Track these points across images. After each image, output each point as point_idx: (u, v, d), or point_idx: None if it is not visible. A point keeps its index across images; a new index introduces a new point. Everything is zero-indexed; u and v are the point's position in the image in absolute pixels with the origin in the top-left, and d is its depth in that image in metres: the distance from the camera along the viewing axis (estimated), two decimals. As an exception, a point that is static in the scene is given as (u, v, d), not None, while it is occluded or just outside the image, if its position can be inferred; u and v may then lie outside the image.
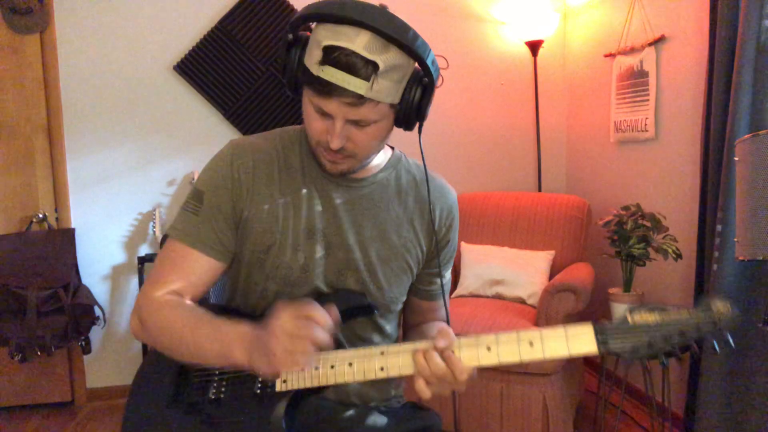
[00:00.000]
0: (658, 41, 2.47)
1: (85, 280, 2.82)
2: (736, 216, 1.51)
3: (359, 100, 0.90)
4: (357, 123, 0.94)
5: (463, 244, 2.82)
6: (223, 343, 0.94)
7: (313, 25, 0.94)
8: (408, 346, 0.94)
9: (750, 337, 1.91)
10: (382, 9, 0.90)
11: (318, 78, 0.89)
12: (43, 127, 2.79)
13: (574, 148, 3.27)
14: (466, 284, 2.68)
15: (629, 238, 2.20)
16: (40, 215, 2.78)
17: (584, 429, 2.48)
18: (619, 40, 2.74)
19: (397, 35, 0.88)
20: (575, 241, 2.68)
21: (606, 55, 2.85)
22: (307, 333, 0.85)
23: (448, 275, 1.22)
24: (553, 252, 2.66)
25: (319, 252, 1.06)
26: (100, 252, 2.88)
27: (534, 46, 3.07)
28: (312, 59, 0.91)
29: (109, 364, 2.93)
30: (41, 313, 2.53)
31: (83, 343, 2.69)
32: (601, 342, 0.87)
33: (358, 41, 0.87)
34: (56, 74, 2.78)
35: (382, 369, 0.94)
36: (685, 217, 2.36)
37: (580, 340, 0.88)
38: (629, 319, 0.88)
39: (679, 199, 2.41)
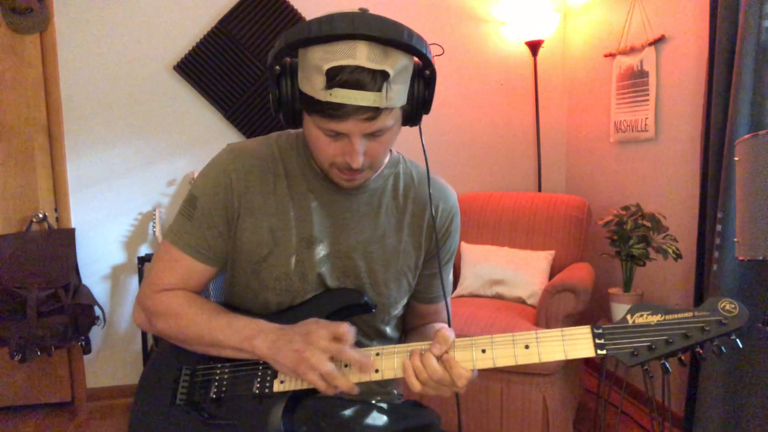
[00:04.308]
0: (658, 41, 2.47)
1: (85, 280, 2.82)
2: (736, 216, 1.51)
3: (376, 112, 0.87)
4: (373, 134, 0.92)
5: (463, 244, 2.82)
6: (242, 334, 0.97)
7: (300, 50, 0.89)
8: (403, 347, 0.94)
9: (750, 338, 1.91)
10: (369, 14, 0.87)
11: (328, 103, 0.86)
12: (43, 127, 2.79)
13: (574, 148, 3.27)
14: (466, 284, 2.68)
15: (629, 238, 2.20)
16: (40, 215, 2.78)
17: (584, 429, 2.48)
18: (619, 40, 2.74)
19: (395, 37, 0.85)
20: (575, 241, 2.68)
21: (606, 55, 2.85)
22: (340, 356, 0.91)
23: (449, 277, 1.20)
24: (553, 252, 2.66)
25: (319, 260, 1.05)
26: (100, 252, 2.88)
27: (534, 46, 3.07)
28: (314, 85, 0.87)
29: (109, 364, 2.92)
30: (41, 313, 2.53)
31: (83, 343, 2.69)
32: (598, 345, 0.84)
33: (359, 54, 0.84)
34: (56, 74, 2.78)
35: (377, 371, 0.93)
36: (685, 217, 2.36)
37: (577, 343, 0.85)
38: (629, 320, 0.84)
39: (679, 199, 2.41)
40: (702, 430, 2.03)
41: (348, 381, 0.91)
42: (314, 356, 0.90)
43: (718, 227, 1.93)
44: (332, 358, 0.91)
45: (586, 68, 3.11)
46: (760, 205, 1.37)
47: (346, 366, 0.94)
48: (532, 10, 2.99)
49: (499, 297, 2.61)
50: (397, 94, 0.89)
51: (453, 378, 0.89)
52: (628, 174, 2.77)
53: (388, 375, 0.93)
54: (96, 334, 2.85)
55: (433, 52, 0.94)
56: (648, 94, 2.55)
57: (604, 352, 0.84)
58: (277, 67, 0.91)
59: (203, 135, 2.94)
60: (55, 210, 2.84)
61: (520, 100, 3.24)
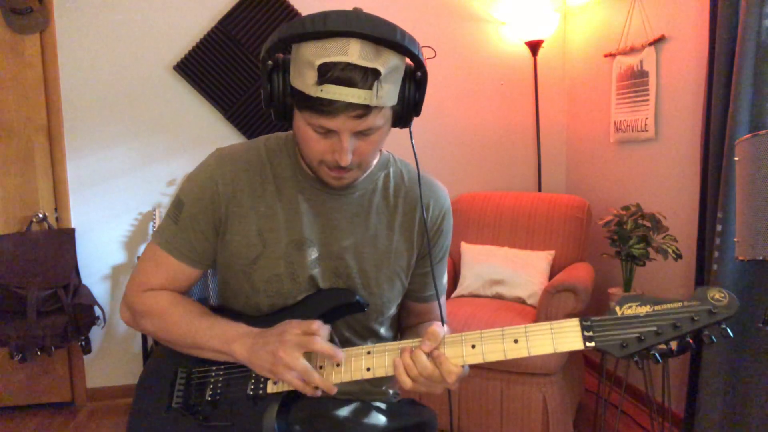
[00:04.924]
0: (658, 41, 2.47)
1: (85, 280, 2.82)
2: (736, 216, 1.51)
3: (366, 110, 0.87)
4: (362, 133, 0.92)
5: (463, 244, 2.82)
6: (222, 337, 0.99)
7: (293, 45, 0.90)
8: (394, 345, 0.94)
9: (750, 337, 1.91)
10: (363, 13, 0.87)
11: (319, 99, 0.86)
12: (43, 127, 2.79)
13: (574, 148, 3.27)
14: (466, 284, 2.68)
15: (629, 238, 2.20)
16: (40, 215, 2.78)
17: (584, 429, 2.48)
18: (619, 40, 2.74)
19: (387, 36, 0.85)
20: (575, 241, 2.68)
21: (606, 55, 2.85)
22: (311, 346, 0.92)
23: (443, 276, 1.19)
24: (553, 252, 2.66)
25: (310, 262, 1.05)
26: (100, 252, 2.88)
27: (534, 46, 3.07)
28: (306, 81, 0.87)
29: (109, 364, 2.92)
30: (41, 313, 2.53)
31: (83, 343, 2.69)
32: (587, 338, 0.83)
33: (351, 52, 0.84)
34: (56, 74, 2.78)
35: (368, 369, 0.94)
36: (685, 217, 2.36)
37: (565, 336, 0.85)
38: (618, 311, 0.83)
39: (679, 199, 2.41)
40: (702, 430, 2.03)
41: (325, 380, 0.92)
42: (288, 355, 0.91)
43: (718, 227, 1.93)
44: (307, 356, 0.93)
45: (586, 68, 3.10)
46: (760, 205, 1.37)
47: (338, 365, 0.95)
48: (532, 10, 2.99)
49: (499, 297, 2.61)
50: (388, 93, 0.89)
51: (443, 374, 0.89)
52: (628, 174, 2.77)
53: (380, 373, 0.93)
54: (96, 334, 2.85)
55: (426, 54, 0.93)
56: (648, 94, 2.55)
57: (592, 344, 0.83)
58: (270, 62, 0.91)
59: (203, 135, 2.94)
60: (55, 210, 2.84)
61: (520, 100, 3.24)
